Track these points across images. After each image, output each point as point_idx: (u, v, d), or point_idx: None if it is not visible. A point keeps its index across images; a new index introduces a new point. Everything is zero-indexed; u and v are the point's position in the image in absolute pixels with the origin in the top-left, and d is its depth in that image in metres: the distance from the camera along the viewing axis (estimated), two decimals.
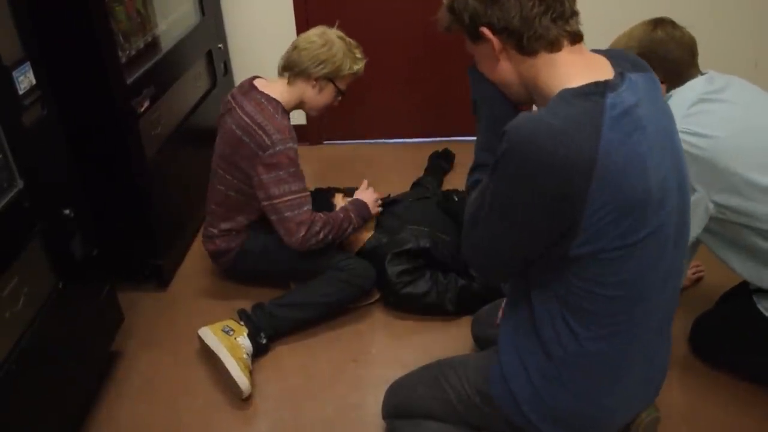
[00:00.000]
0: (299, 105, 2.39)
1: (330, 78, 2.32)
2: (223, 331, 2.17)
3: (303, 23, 3.32)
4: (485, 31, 1.20)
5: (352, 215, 2.37)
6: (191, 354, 2.27)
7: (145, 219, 2.43)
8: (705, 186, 1.75)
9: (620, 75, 1.16)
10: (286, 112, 2.32)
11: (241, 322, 2.21)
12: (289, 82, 2.32)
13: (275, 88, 2.32)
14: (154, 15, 2.60)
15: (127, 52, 2.32)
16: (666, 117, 1.23)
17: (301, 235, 2.20)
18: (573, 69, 1.18)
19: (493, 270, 1.33)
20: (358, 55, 2.37)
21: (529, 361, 1.32)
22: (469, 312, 2.23)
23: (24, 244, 1.65)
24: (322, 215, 2.27)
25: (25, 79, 1.64)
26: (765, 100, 1.87)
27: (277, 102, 2.28)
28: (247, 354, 2.14)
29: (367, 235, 2.53)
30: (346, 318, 2.41)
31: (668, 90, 1.87)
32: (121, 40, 2.29)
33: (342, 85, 2.39)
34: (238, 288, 2.57)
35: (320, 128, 3.77)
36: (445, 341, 2.26)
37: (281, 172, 2.19)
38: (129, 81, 2.26)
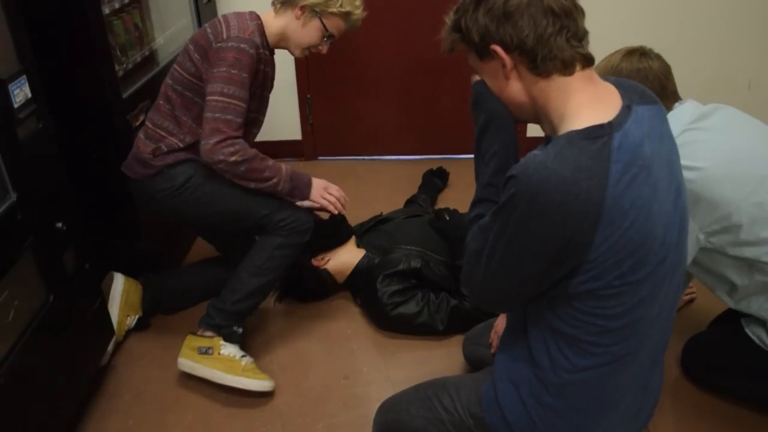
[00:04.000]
0: (283, 40, 2.20)
1: (316, 12, 2.12)
2: (200, 353, 2.11)
3: None
4: (497, 49, 1.17)
5: (283, 179, 2.14)
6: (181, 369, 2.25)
7: (139, 233, 2.42)
8: (695, 217, 1.74)
9: (627, 108, 1.16)
10: (263, 33, 2.13)
11: (208, 333, 2.17)
12: (275, 12, 2.17)
13: (263, 14, 2.18)
14: (152, 29, 2.61)
15: (124, 65, 2.32)
16: (672, 151, 1.23)
17: (214, 141, 1.97)
18: (584, 98, 1.17)
19: (493, 305, 1.35)
20: (357, 2, 2.18)
21: (524, 388, 1.32)
22: (460, 331, 2.23)
23: (16, 257, 1.64)
24: (250, 148, 2.06)
25: (20, 92, 1.64)
26: (748, 125, 1.86)
27: (258, 19, 2.14)
28: (242, 356, 2.13)
29: (358, 255, 2.53)
30: (338, 336, 2.40)
31: None
32: (118, 54, 2.29)
33: (331, 26, 2.16)
34: None
35: (315, 144, 3.77)
36: (437, 360, 2.26)
37: (222, 69, 2.00)
38: (125, 95, 2.27)
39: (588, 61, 1.19)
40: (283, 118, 3.53)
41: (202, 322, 2.20)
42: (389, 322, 2.38)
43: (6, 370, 1.57)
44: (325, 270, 2.51)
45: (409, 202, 3.14)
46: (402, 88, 3.64)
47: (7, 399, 1.58)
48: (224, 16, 2.11)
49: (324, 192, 2.24)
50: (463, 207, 2.71)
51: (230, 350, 2.12)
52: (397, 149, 3.81)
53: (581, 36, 1.18)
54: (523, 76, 1.20)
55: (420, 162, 3.64)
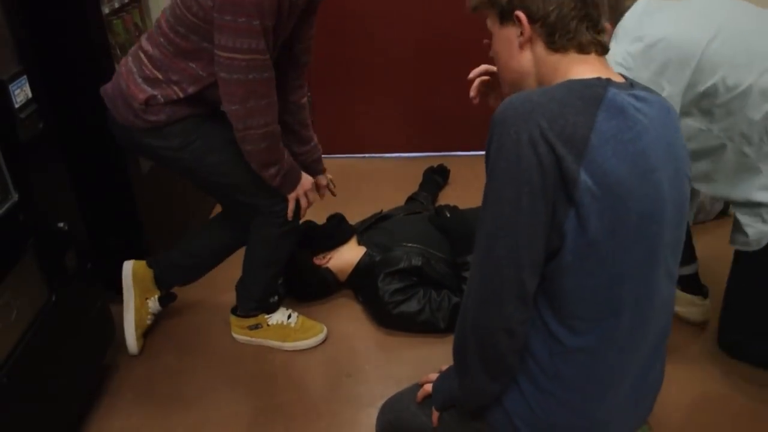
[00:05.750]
0: None
1: None
2: (251, 329, 2.31)
3: None
4: (521, 15, 1.20)
5: (281, 173, 1.96)
6: (184, 368, 2.26)
7: (139, 233, 2.42)
8: (675, 83, 1.73)
9: (630, 84, 1.18)
10: None
11: (251, 314, 2.31)
12: None
13: None
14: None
15: None
16: (674, 137, 1.21)
17: (249, 105, 1.75)
18: (591, 68, 1.19)
19: (490, 298, 1.20)
20: None
21: (521, 375, 1.32)
22: None
23: (17, 257, 1.64)
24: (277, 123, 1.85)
25: (21, 93, 1.64)
26: (712, 4, 1.83)
27: None
28: (287, 320, 2.32)
29: (359, 253, 2.53)
30: (340, 334, 2.41)
31: (614, 27, 1.84)
32: (118, 53, 2.29)
33: None
34: (231, 300, 2.56)
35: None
36: (439, 357, 2.26)
37: (241, 19, 1.64)
38: None
39: (604, 49, 1.22)
40: None
41: (240, 311, 2.32)
42: (391, 321, 2.38)
43: (8, 370, 1.58)
44: (327, 269, 2.52)
45: (410, 199, 3.14)
46: (402, 86, 3.63)
47: (9, 398, 1.58)
48: None
49: (302, 195, 2.08)
50: (464, 204, 2.73)
51: (276, 318, 2.30)
52: (398, 147, 3.81)
53: (600, 29, 1.21)
54: (536, 49, 1.22)
55: (421, 159, 3.64)
